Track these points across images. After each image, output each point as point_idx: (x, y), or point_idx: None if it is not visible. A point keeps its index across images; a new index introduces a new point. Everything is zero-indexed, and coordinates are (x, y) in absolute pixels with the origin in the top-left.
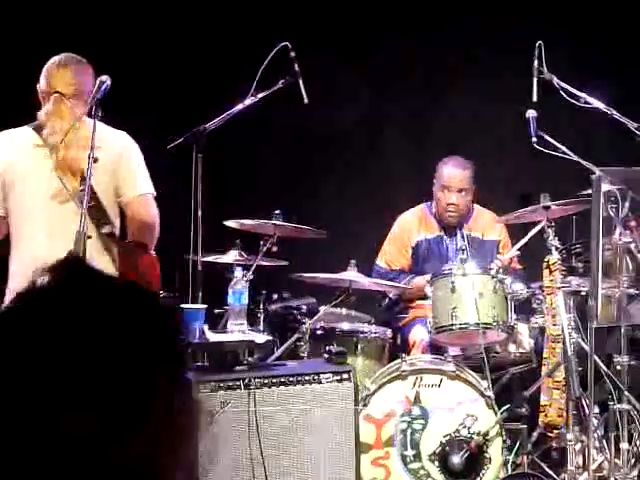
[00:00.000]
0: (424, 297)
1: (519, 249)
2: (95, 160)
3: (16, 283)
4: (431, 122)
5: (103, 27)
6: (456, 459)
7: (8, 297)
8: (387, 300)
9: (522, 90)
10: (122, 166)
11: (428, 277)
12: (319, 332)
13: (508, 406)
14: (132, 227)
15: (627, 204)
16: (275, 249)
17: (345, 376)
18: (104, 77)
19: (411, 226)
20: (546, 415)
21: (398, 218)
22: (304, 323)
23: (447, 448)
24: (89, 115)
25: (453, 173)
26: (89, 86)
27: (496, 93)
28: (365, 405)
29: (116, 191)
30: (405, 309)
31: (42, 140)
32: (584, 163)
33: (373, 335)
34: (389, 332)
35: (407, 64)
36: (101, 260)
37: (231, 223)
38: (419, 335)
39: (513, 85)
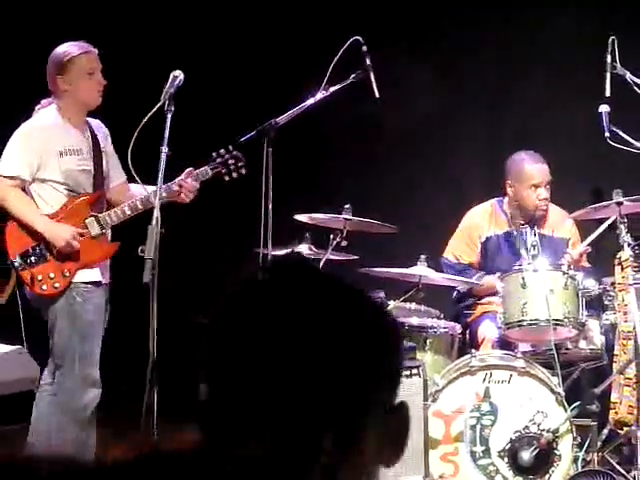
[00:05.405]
0: (493, 294)
1: (589, 244)
2: (168, 155)
3: None
4: (501, 117)
5: (176, 24)
6: (526, 455)
7: None
8: (455, 292)
9: (595, 85)
10: None
11: (499, 275)
12: None
13: (578, 403)
14: None
15: None
16: (345, 243)
17: (414, 371)
18: (177, 72)
19: (481, 221)
20: (616, 412)
21: (467, 213)
22: None
23: (517, 444)
24: (162, 109)
25: (539, 169)
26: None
27: (568, 88)
28: (434, 400)
29: None
30: (473, 305)
31: None
32: None
33: (442, 330)
34: (458, 327)
35: (479, 59)
36: None
37: (301, 217)
38: (488, 331)
39: (586, 79)
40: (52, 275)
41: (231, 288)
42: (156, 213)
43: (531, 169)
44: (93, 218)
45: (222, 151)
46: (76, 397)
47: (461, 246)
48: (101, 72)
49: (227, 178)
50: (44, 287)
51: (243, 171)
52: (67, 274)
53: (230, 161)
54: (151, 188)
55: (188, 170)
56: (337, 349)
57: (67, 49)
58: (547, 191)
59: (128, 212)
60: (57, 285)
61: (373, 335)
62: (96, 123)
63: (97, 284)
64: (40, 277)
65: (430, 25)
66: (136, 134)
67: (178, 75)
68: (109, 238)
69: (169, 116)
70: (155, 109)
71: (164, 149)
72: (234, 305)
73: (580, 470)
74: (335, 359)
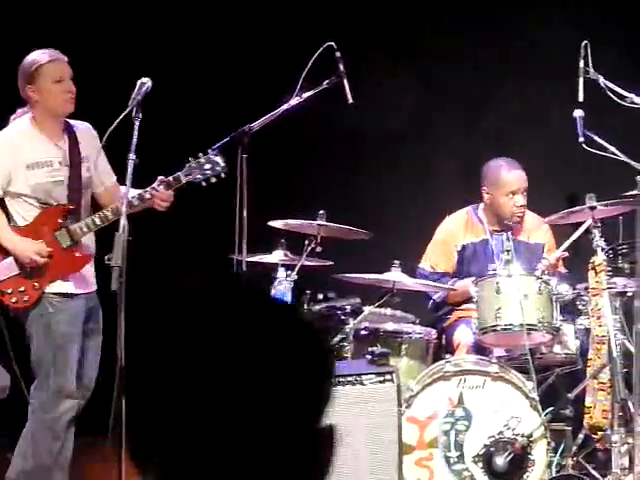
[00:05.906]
0: (469, 301)
1: (565, 250)
2: (135, 163)
3: None
4: (477, 123)
5: (147, 30)
6: (500, 460)
7: None
8: (431, 301)
9: (570, 89)
10: None
11: (473, 279)
12: (363, 332)
13: (553, 408)
14: None
15: None
16: (319, 249)
17: (388, 377)
18: (145, 79)
19: (457, 230)
20: (591, 417)
21: (443, 222)
22: (348, 323)
23: (491, 449)
24: (130, 117)
25: (517, 176)
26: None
27: (544, 92)
28: (408, 406)
29: None
30: (449, 311)
31: None
32: (632, 163)
33: (417, 336)
34: (433, 333)
35: (455, 67)
36: None
37: (276, 223)
38: (464, 336)
39: (561, 84)
40: (22, 289)
41: (161, 302)
42: (123, 221)
43: (508, 176)
44: (64, 230)
45: (199, 155)
46: (50, 407)
47: (437, 255)
48: (72, 79)
49: (204, 184)
50: (13, 300)
51: (222, 175)
52: (37, 287)
53: (206, 166)
54: (133, 192)
55: (160, 178)
56: (267, 371)
57: (35, 57)
58: (524, 198)
59: (98, 222)
60: (26, 298)
61: (305, 360)
62: (83, 127)
63: (70, 296)
64: (10, 290)
65: (404, 30)
66: (104, 141)
67: (146, 82)
68: (91, 247)
69: (137, 123)
70: (122, 116)
71: (132, 157)
72: (164, 319)
73: (555, 475)
74: (263, 382)
